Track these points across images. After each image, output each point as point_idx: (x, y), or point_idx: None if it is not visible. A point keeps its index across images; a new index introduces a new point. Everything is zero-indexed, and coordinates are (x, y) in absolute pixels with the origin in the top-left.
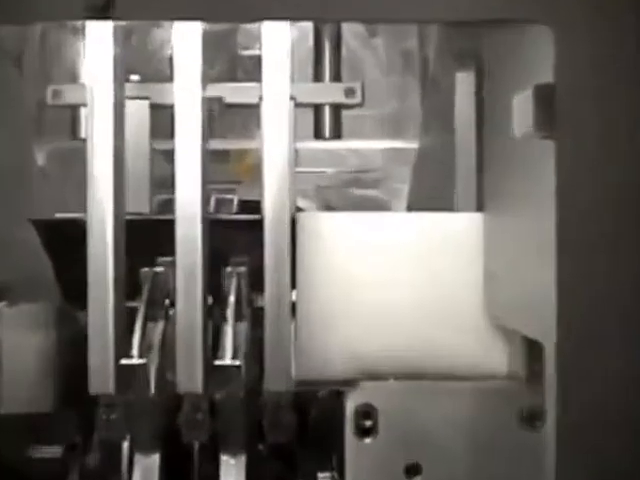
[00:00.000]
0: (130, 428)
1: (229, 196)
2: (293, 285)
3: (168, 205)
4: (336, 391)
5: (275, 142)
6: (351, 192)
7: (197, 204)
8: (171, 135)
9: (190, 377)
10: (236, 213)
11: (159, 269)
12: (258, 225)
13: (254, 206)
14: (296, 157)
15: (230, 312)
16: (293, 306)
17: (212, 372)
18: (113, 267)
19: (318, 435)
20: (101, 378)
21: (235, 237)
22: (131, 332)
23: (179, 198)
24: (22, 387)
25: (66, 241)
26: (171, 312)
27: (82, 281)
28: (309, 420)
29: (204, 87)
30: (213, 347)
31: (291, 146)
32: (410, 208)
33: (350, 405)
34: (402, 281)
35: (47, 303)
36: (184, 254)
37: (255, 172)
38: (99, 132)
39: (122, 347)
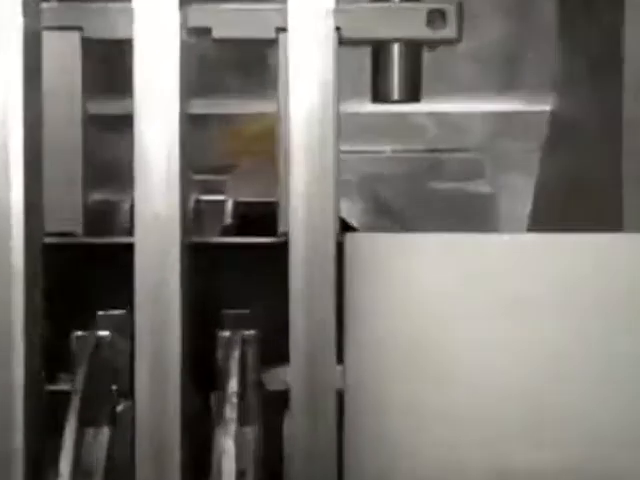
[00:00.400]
0: None
1: (216, 197)
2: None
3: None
4: None
5: (306, 104)
6: (430, 186)
7: (174, 216)
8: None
9: None
10: (229, 227)
11: (103, 333)
12: (273, 252)
13: (259, 213)
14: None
15: (230, 408)
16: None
17: None
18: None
19: None
20: None
21: (235, 273)
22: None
23: (139, 206)
24: None
25: None
26: (121, 409)
27: None
28: None
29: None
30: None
31: (334, 111)
32: (536, 217)
33: None
34: (523, 339)
35: None
36: (147, 306)
37: (261, 152)
38: None
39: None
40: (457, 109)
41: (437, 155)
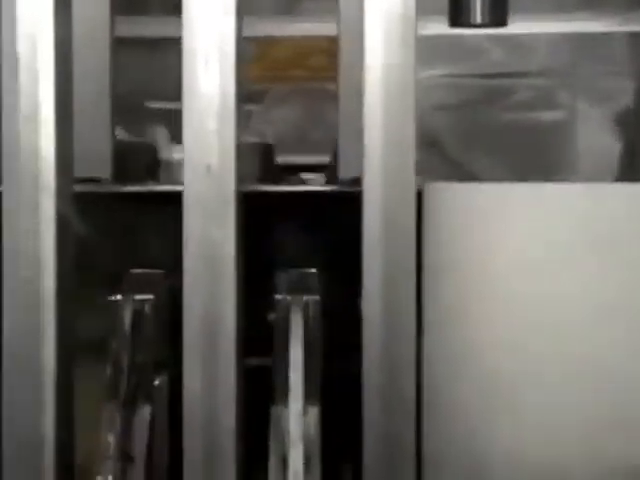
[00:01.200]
0: None
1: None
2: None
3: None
4: None
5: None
6: (501, 116)
7: (229, 166)
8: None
9: None
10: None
11: (144, 297)
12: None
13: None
14: None
15: (296, 385)
16: None
17: None
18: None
19: None
20: None
21: (296, 228)
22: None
23: (189, 155)
24: None
25: None
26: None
27: None
28: None
29: None
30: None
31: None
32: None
33: None
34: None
35: None
36: (197, 266)
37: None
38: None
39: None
40: (525, 30)
41: (502, 80)
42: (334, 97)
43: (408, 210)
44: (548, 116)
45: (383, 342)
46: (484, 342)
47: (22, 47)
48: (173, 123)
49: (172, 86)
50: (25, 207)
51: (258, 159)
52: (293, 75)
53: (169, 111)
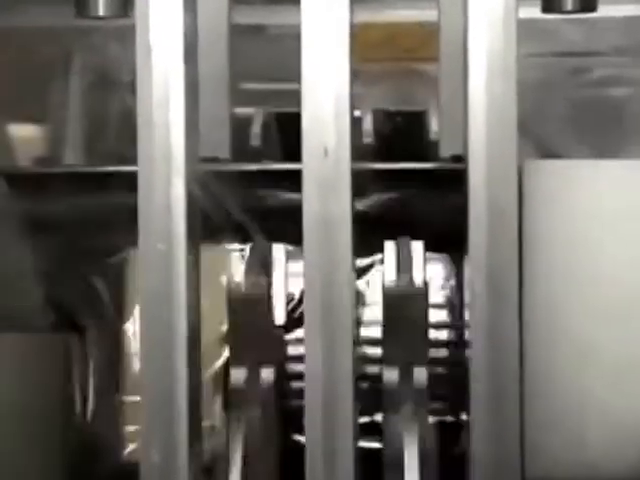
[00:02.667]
0: None
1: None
2: None
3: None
4: None
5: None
6: (578, 94)
7: (344, 145)
8: None
9: None
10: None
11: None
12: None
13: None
14: None
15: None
16: None
17: None
18: (186, 253)
19: None
20: None
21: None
22: None
23: (307, 136)
24: None
25: None
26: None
27: None
28: None
29: None
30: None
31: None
32: None
33: None
34: None
35: None
36: (316, 241)
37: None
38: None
39: None
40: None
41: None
42: (423, 77)
43: (510, 186)
44: (624, 93)
45: (488, 312)
46: (584, 310)
47: (154, 39)
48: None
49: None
50: (158, 186)
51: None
52: (384, 56)
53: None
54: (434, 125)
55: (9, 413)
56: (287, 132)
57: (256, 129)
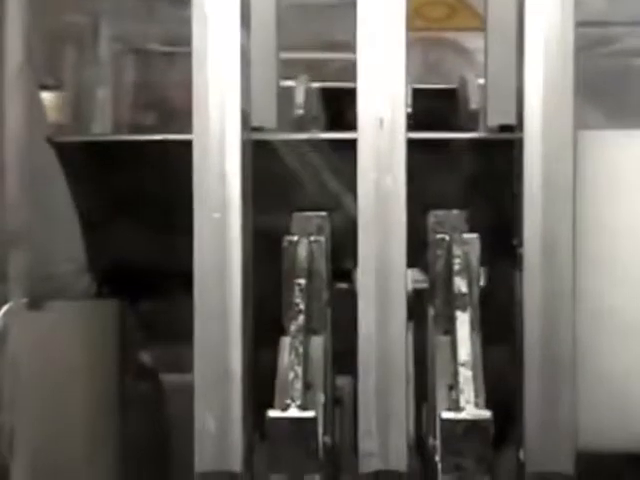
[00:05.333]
0: None
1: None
2: None
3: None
4: None
5: None
6: (602, 63)
7: (400, 118)
8: None
9: (385, 448)
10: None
11: (317, 237)
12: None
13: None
14: None
15: (462, 315)
16: None
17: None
18: (241, 221)
19: None
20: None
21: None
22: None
23: (361, 101)
24: None
25: None
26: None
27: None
28: None
29: None
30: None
31: None
32: None
33: None
34: None
35: None
36: (370, 207)
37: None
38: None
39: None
40: None
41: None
42: (453, 47)
43: (566, 156)
44: None
45: (542, 284)
46: (633, 286)
47: (210, 8)
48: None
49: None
50: (213, 154)
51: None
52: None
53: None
54: (472, 95)
55: (70, 377)
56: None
57: (299, 99)
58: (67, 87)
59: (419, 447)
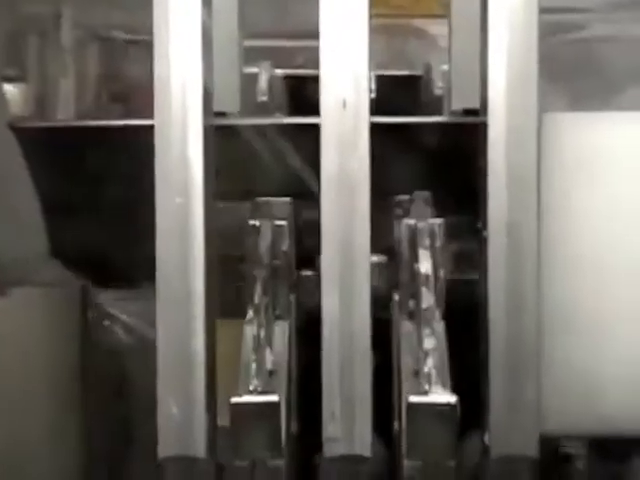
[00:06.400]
0: None
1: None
2: None
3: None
4: None
5: None
6: (567, 50)
7: (363, 101)
8: None
9: (350, 432)
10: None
11: (280, 222)
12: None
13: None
14: None
15: (427, 299)
16: None
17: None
18: (204, 206)
19: None
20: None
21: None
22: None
23: (325, 90)
24: None
25: None
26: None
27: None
28: None
29: None
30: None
31: None
32: None
33: None
34: None
35: None
36: (333, 192)
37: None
38: None
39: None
40: None
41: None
42: (418, 33)
43: (530, 139)
44: (614, 50)
45: (506, 267)
46: (604, 266)
47: None
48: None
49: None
50: (175, 139)
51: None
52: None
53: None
54: (436, 81)
55: (33, 363)
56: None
57: (263, 86)
58: (30, 78)
59: (387, 434)
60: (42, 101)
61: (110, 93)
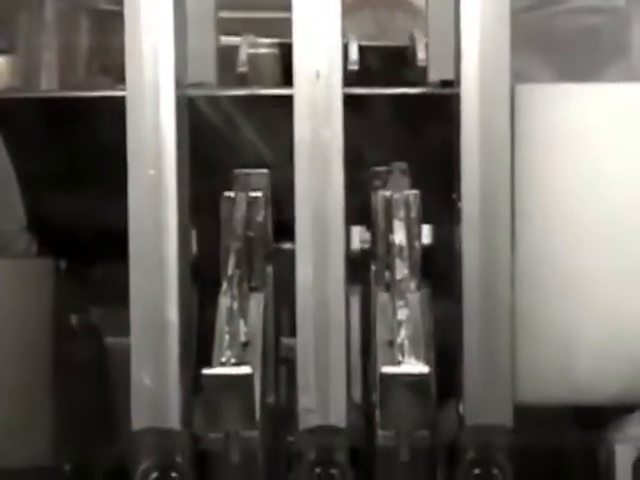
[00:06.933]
0: None
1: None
2: None
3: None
4: None
5: None
6: (554, 21)
7: (336, 70)
8: None
9: (325, 403)
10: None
11: (255, 194)
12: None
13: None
14: None
15: (401, 270)
16: None
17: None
18: (177, 177)
19: None
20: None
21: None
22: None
23: (298, 60)
24: None
25: None
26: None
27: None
28: None
29: None
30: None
31: None
32: None
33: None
34: None
35: None
36: (307, 162)
37: None
38: None
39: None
40: None
41: None
42: (403, 6)
43: (503, 110)
44: (601, 20)
45: (481, 237)
46: (576, 235)
47: None
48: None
49: None
50: (147, 109)
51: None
52: None
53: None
54: (420, 53)
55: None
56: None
57: (243, 57)
58: (19, 50)
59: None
60: (30, 72)
61: (100, 65)
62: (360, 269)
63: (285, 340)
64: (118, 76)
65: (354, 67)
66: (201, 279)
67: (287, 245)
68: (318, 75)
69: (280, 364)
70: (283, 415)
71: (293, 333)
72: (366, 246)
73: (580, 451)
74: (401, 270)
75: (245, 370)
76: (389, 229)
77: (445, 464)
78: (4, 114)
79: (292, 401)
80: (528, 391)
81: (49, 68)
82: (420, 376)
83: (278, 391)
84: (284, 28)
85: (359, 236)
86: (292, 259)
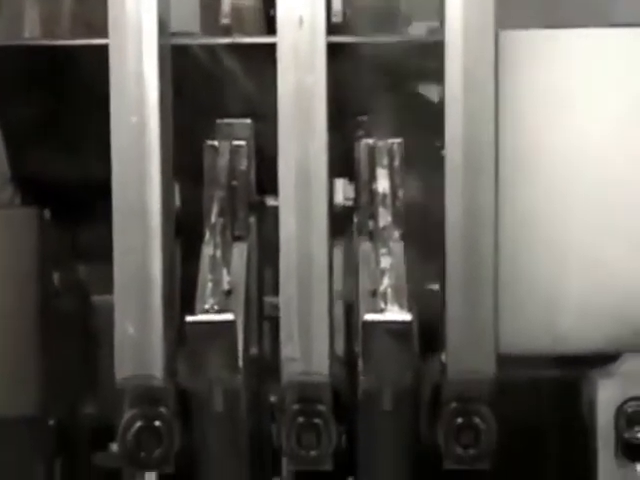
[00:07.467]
0: None
1: None
2: None
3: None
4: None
5: None
6: None
7: (320, 18)
8: None
9: (308, 352)
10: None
11: (239, 142)
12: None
13: None
14: None
15: (384, 218)
16: None
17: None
18: (159, 125)
19: None
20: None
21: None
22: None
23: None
24: None
25: None
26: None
27: None
28: None
29: None
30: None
31: None
32: None
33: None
34: None
35: None
36: (291, 111)
37: None
38: None
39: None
40: None
41: None
42: None
43: (487, 57)
44: None
45: (464, 185)
46: (561, 185)
47: None
48: None
49: None
50: (130, 57)
51: None
52: None
53: None
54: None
55: None
56: None
57: (225, 8)
58: (2, 2)
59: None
60: (11, 22)
61: (83, 20)
62: (344, 223)
63: (269, 299)
64: (102, 31)
65: (338, 18)
66: (184, 232)
67: (271, 202)
68: (301, 21)
69: (264, 321)
70: (266, 370)
71: (277, 292)
72: (349, 203)
73: (562, 388)
74: (384, 218)
75: (228, 317)
76: (373, 178)
77: (427, 415)
78: None
79: (276, 357)
80: (511, 343)
81: (32, 20)
82: (403, 323)
83: (262, 346)
84: None
85: (342, 190)
86: (276, 217)
